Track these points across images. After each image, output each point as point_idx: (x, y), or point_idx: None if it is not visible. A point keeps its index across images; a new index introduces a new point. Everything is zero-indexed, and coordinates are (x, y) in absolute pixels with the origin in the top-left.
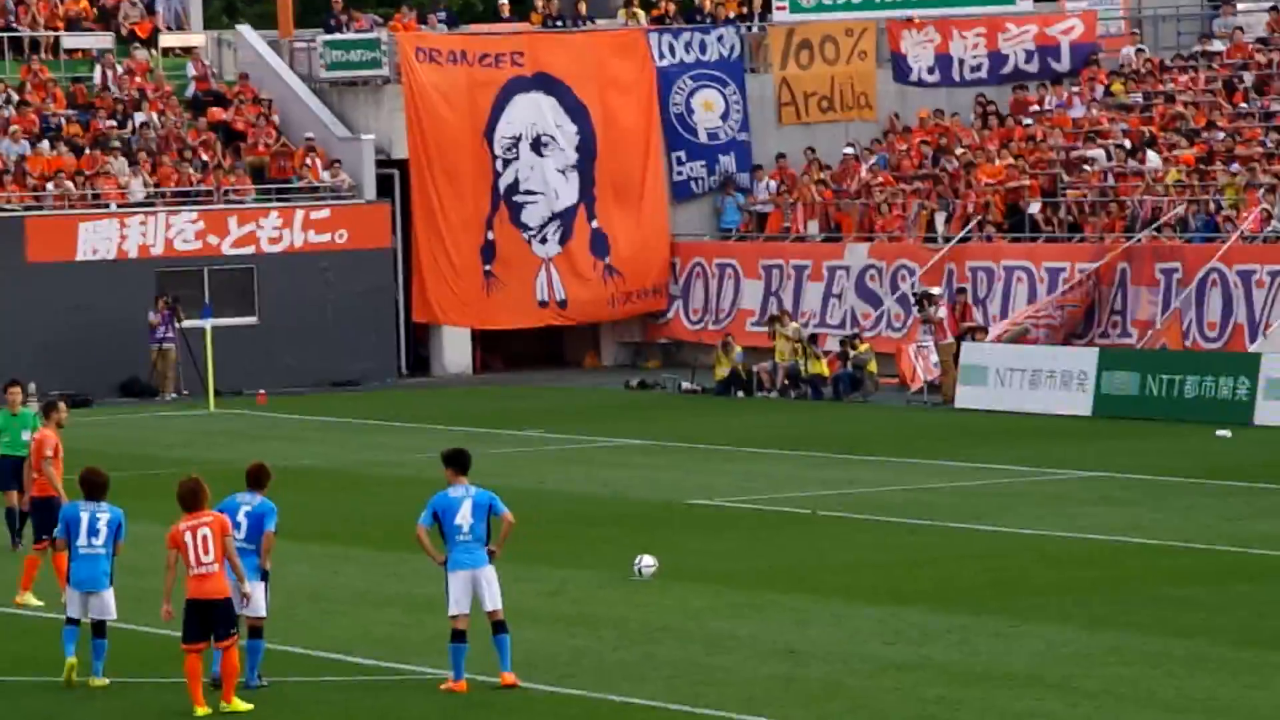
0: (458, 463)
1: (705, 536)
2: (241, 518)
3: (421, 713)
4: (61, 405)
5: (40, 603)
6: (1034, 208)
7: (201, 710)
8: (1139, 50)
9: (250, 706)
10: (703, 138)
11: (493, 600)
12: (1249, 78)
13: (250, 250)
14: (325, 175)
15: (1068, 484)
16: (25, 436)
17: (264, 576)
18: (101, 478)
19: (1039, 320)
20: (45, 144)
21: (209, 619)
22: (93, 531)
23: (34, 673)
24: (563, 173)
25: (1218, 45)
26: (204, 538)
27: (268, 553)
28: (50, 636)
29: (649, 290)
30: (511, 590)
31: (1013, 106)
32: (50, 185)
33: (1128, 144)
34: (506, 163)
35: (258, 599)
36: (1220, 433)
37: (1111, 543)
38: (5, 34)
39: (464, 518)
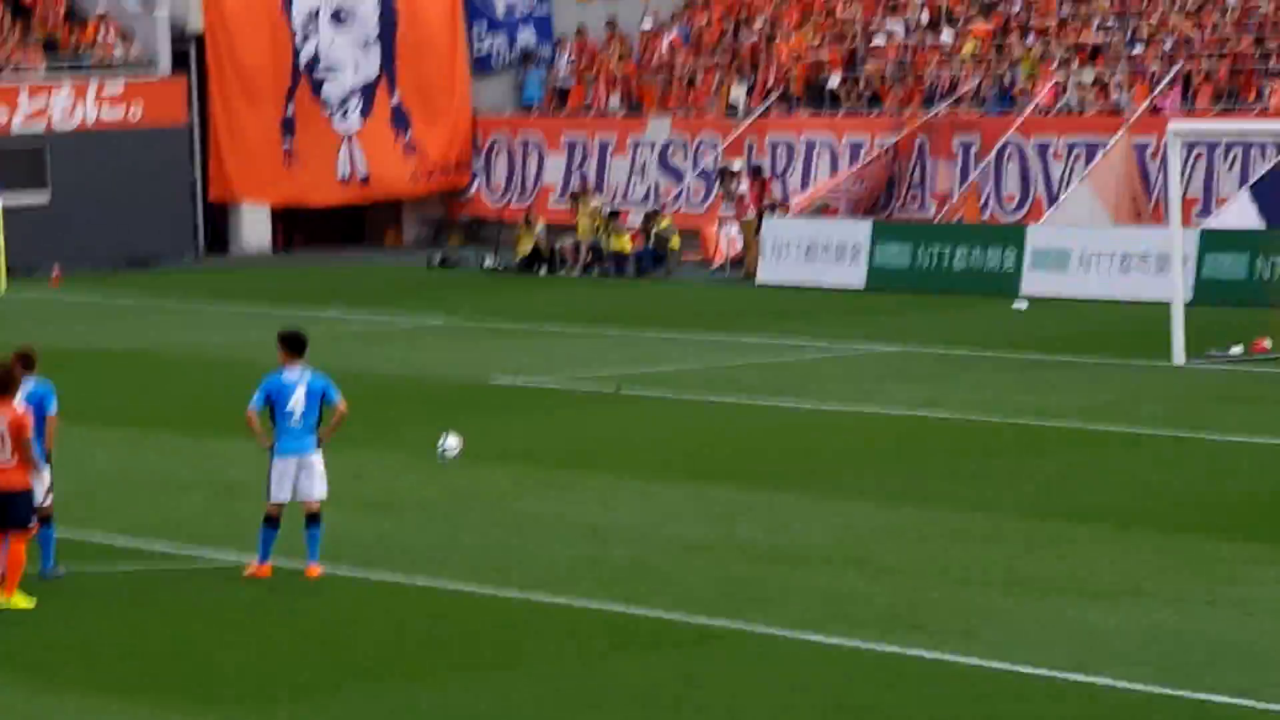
0: (293, 345)
1: (509, 416)
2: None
3: (223, 600)
4: None
5: None
6: (833, 81)
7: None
8: None
9: (31, 603)
10: (502, 11)
11: (314, 490)
12: None
13: (41, 127)
14: (119, 49)
15: (866, 359)
16: None
17: (47, 459)
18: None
19: (839, 193)
20: None
21: (5, 511)
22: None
23: None
24: (363, 46)
25: None
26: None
27: (51, 435)
28: None
29: (451, 166)
30: None
31: None
32: None
33: (925, 17)
34: (306, 36)
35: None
36: (1017, 304)
37: (910, 416)
38: None
39: (296, 403)
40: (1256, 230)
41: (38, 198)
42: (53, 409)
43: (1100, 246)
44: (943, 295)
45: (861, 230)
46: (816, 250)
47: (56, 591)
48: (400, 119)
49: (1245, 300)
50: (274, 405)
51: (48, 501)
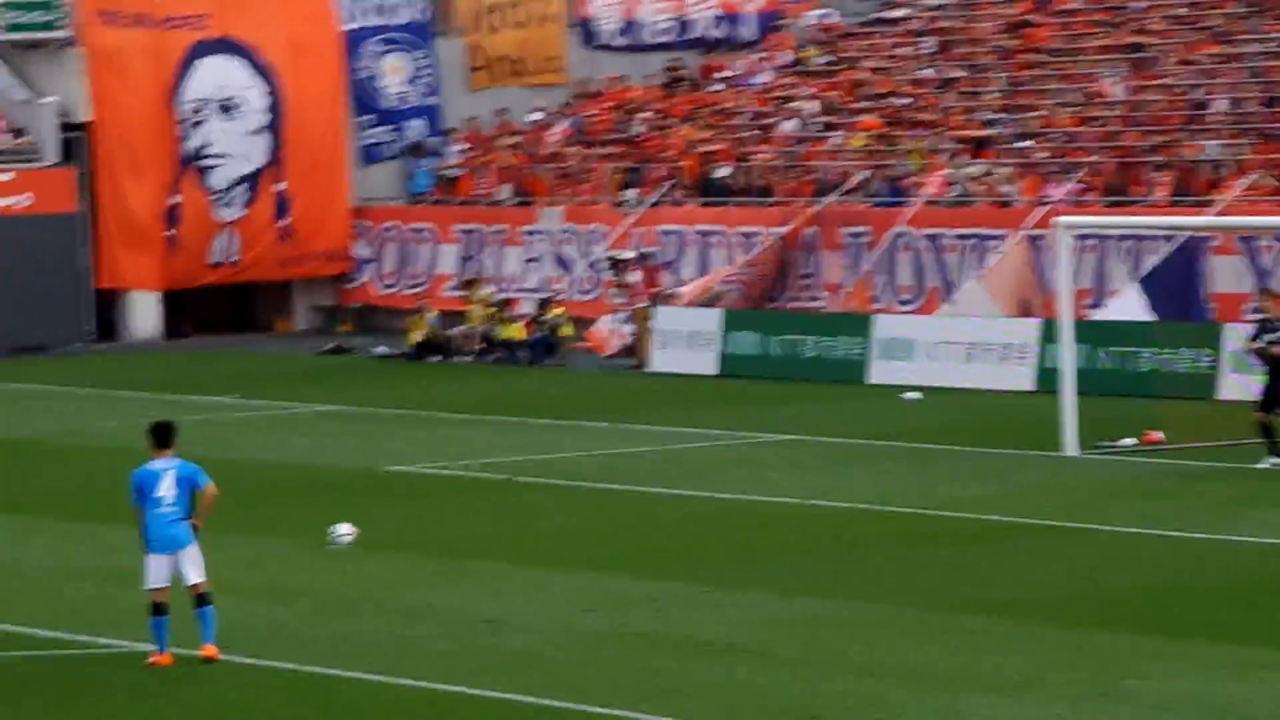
0: (159, 436)
1: (401, 504)
2: None
3: (114, 685)
4: None
5: None
6: (723, 172)
7: None
8: (824, 16)
9: None
10: (390, 102)
11: (196, 573)
12: (931, 43)
13: None
14: (6, 139)
15: (758, 447)
16: None
17: None
18: None
19: (729, 282)
20: None
21: None
22: None
23: None
24: (252, 135)
25: (901, 11)
26: None
27: None
28: None
29: (326, 253)
30: (207, 561)
31: (701, 72)
32: None
33: (815, 109)
34: (194, 125)
35: None
36: (908, 396)
37: (803, 506)
38: None
39: (166, 490)
40: (1120, 321)
41: None
42: None
43: (944, 335)
44: (793, 383)
45: (711, 319)
46: (675, 338)
47: None
48: (281, 206)
49: (1093, 390)
50: (144, 494)
51: None
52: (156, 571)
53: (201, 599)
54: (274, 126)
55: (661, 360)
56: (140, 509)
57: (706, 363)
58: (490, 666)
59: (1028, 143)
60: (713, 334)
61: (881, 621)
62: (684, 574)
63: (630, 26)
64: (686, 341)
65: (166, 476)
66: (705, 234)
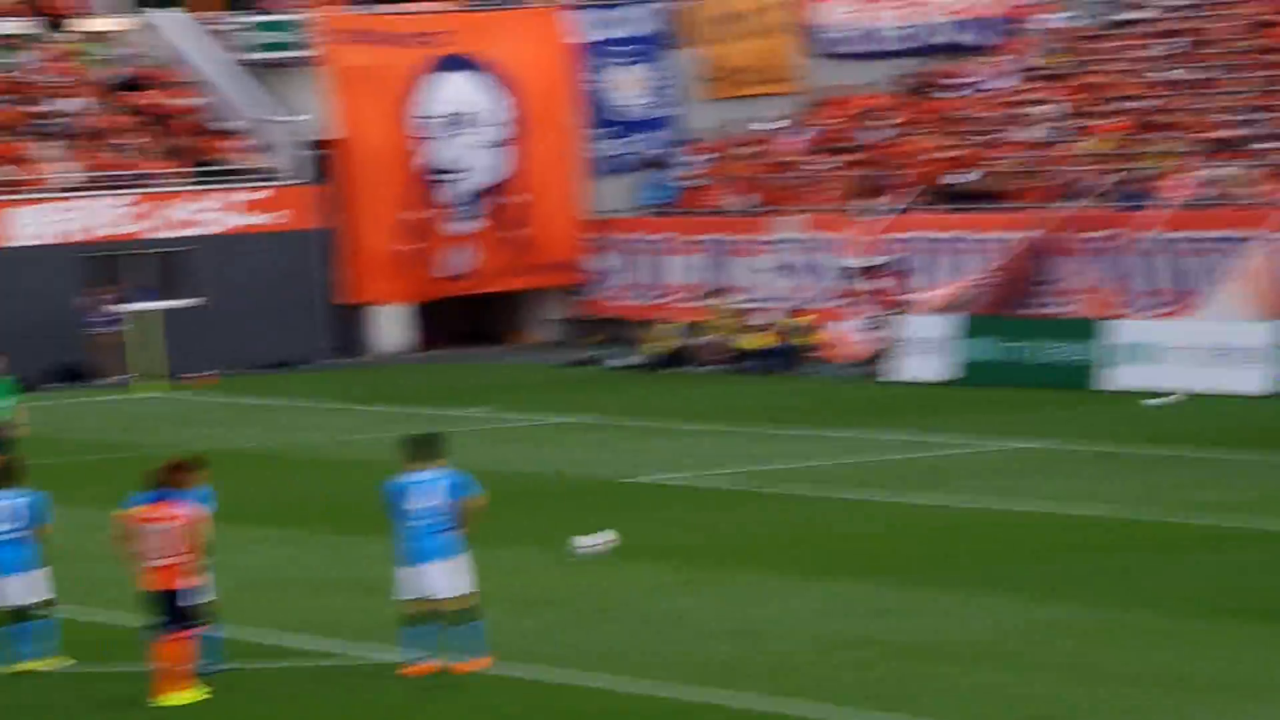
0: (422, 448)
1: (651, 513)
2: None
3: (373, 697)
4: None
5: None
6: (964, 178)
7: (160, 699)
8: (1067, 18)
9: (200, 695)
10: (624, 114)
11: (456, 586)
12: (1173, 44)
13: (180, 233)
14: (252, 157)
15: (1004, 454)
16: (6, 404)
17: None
18: (5, 464)
19: (975, 289)
20: None
21: (163, 610)
22: (2, 518)
23: None
24: (489, 149)
25: (1141, 13)
26: (163, 531)
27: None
28: None
29: (559, 264)
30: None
31: (939, 78)
32: None
33: (1056, 113)
34: (430, 141)
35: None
36: (1153, 401)
37: (1052, 513)
38: None
39: (428, 501)
40: None
41: (179, 303)
42: (208, 509)
43: (1186, 339)
44: (1035, 389)
45: (953, 325)
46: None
47: (217, 687)
48: (515, 219)
49: None
50: (407, 506)
51: (208, 600)
52: (415, 582)
53: (463, 612)
54: (510, 140)
55: (905, 367)
56: (397, 520)
57: (948, 369)
58: (744, 674)
59: (1275, 144)
60: (954, 340)
61: (1138, 629)
62: (934, 580)
63: (867, 34)
64: (929, 348)
65: (432, 487)
66: (948, 241)
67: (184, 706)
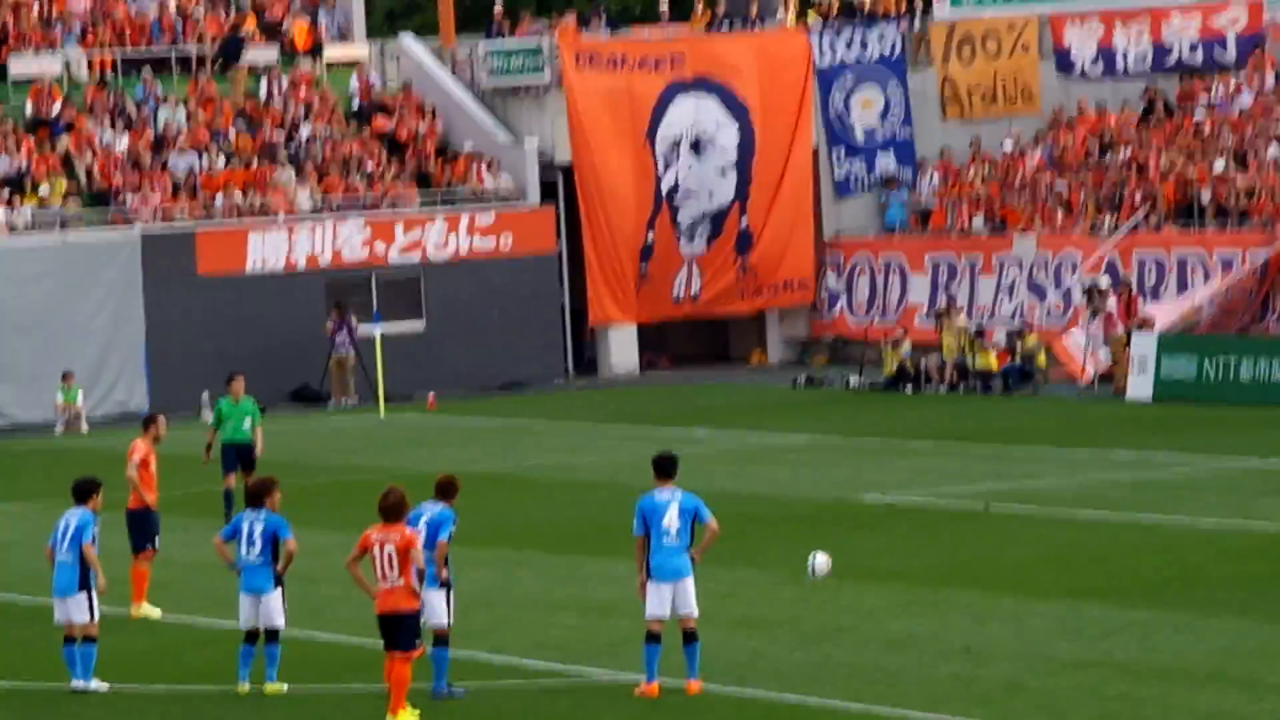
0: (663, 467)
1: (877, 533)
2: (421, 526)
3: (606, 716)
4: (160, 419)
5: (158, 612)
6: (1204, 197)
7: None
8: None
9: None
10: (861, 136)
11: (686, 606)
12: None
13: (416, 257)
14: (489, 181)
15: (1240, 473)
16: (246, 425)
17: (444, 585)
18: (256, 486)
19: (1202, 309)
20: (214, 158)
21: (392, 632)
22: (250, 540)
23: (213, 682)
24: (721, 172)
25: None
26: (389, 554)
27: (440, 560)
28: (226, 646)
29: (788, 285)
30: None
31: (1179, 97)
32: (220, 198)
33: None
34: (667, 165)
35: (438, 607)
36: None
37: None
38: (174, 50)
39: (670, 521)
40: None
41: (413, 326)
42: (445, 535)
43: None
44: (1256, 408)
45: (1147, 342)
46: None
47: (446, 711)
48: (744, 242)
49: None
50: (649, 524)
51: (446, 623)
52: (657, 601)
53: (689, 635)
54: (742, 164)
55: (1135, 385)
56: (644, 538)
57: (1180, 388)
58: (971, 695)
59: None
60: (1185, 359)
61: None
62: (1166, 601)
63: (1106, 54)
64: (1160, 367)
65: (670, 508)
66: (1184, 259)
67: None
